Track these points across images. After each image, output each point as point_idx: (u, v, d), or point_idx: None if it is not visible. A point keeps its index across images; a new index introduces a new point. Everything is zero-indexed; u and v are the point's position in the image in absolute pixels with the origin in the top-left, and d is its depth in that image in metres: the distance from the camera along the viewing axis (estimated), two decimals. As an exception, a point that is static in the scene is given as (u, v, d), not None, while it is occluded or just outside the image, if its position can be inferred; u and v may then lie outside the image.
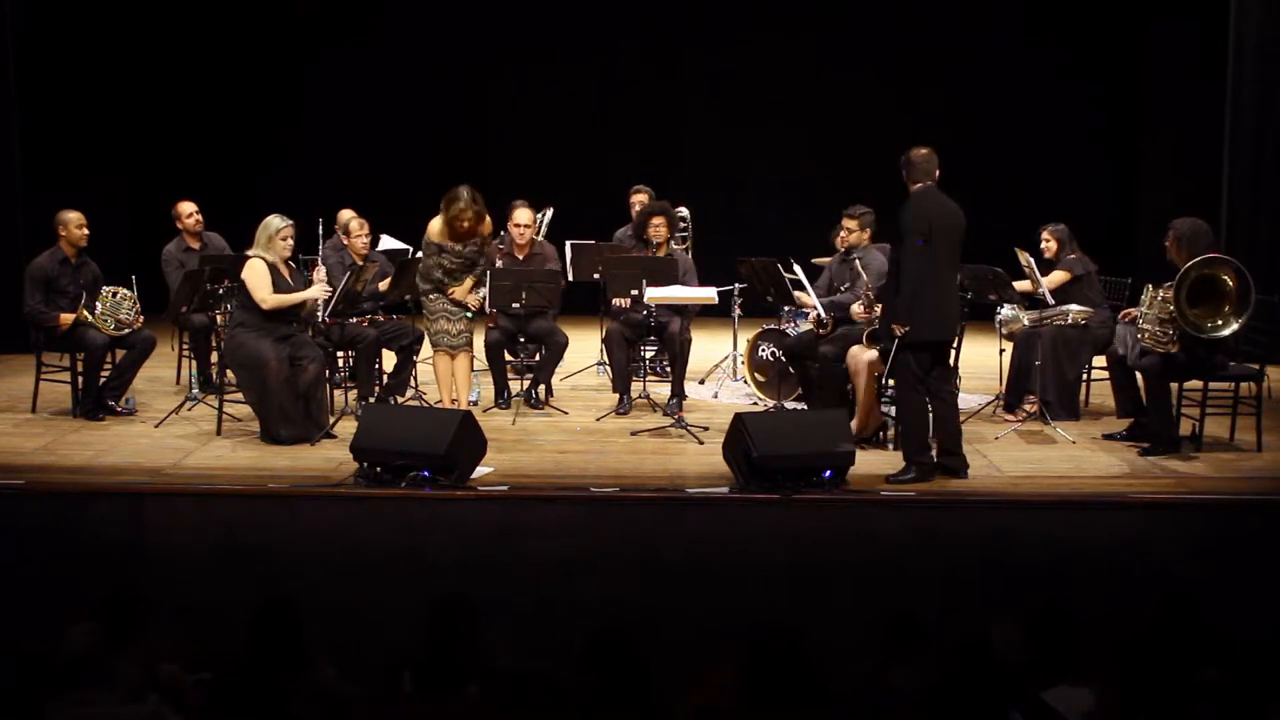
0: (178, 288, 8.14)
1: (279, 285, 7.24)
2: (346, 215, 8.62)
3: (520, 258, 8.52)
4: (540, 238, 8.91)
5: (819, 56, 11.90)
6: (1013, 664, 4.15)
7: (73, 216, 7.88)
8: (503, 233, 8.52)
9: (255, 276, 7.19)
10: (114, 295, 7.87)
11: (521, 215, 8.49)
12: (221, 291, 7.85)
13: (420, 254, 7.83)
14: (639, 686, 3.78)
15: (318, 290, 7.31)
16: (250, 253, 7.35)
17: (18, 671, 3.71)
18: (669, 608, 5.92)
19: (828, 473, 6.36)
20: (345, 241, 8.25)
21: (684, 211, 9.27)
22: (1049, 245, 8.14)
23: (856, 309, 7.54)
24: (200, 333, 8.36)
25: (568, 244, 9.18)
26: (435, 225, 7.57)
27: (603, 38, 12.07)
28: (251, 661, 4.02)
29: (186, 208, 8.67)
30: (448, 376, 7.66)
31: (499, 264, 8.21)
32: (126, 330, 7.85)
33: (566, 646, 4.25)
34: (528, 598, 5.85)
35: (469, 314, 7.65)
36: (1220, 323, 6.79)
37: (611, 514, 6.28)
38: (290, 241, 7.37)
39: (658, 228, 8.25)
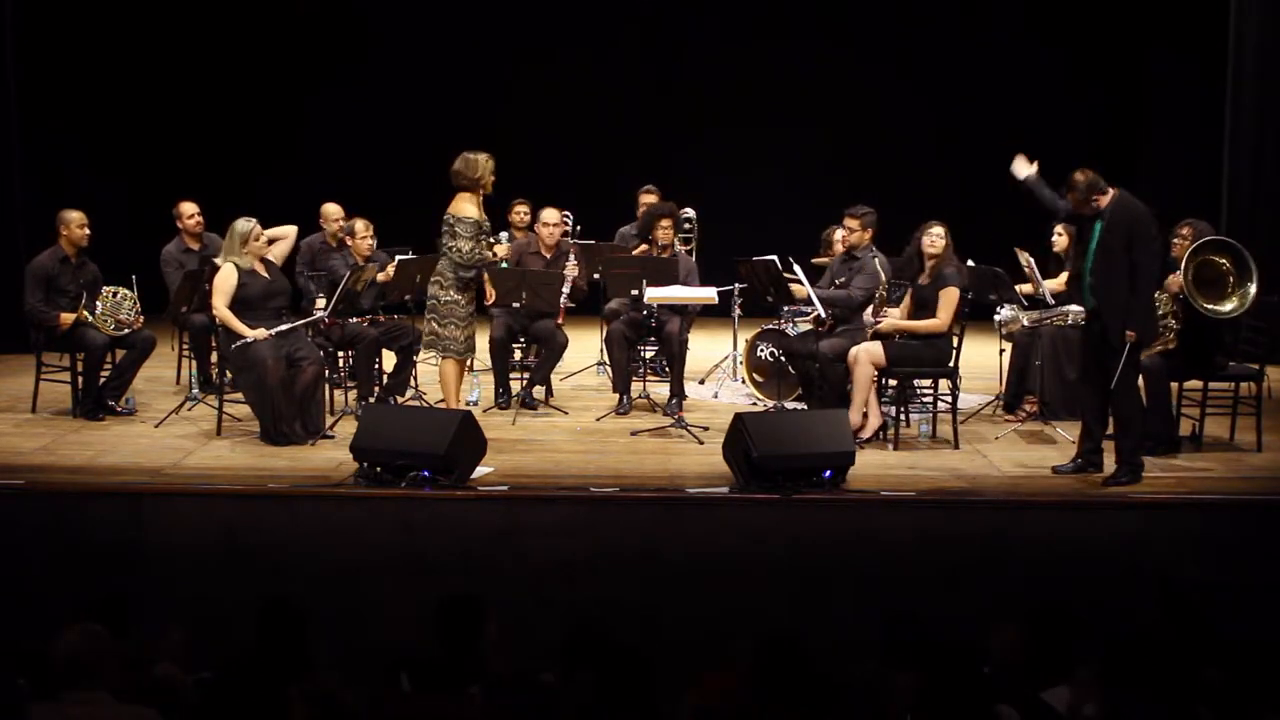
0: (177, 288, 8.14)
1: (254, 286, 7.29)
2: (333, 210, 8.63)
3: (549, 256, 8.51)
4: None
5: (821, 57, 11.88)
6: (1012, 664, 4.16)
7: (74, 216, 7.88)
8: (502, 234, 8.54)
9: (220, 282, 7.27)
10: (114, 295, 7.87)
11: (550, 215, 8.52)
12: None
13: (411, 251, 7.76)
14: (621, 682, 3.78)
15: (259, 334, 7.17)
16: (220, 260, 7.41)
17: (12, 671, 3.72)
18: (669, 608, 5.93)
19: (828, 473, 6.36)
20: (350, 243, 8.22)
21: (690, 212, 9.25)
22: (1060, 240, 8.00)
23: (867, 317, 7.49)
24: (200, 333, 8.35)
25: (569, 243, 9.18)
26: (469, 205, 7.21)
27: (604, 38, 12.06)
28: (251, 661, 4.02)
29: (188, 208, 8.65)
30: (456, 384, 7.50)
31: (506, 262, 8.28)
32: (127, 330, 7.85)
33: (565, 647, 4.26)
34: (528, 598, 5.85)
35: (504, 263, 7.55)
36: (1237, 302, 6.83)
37: (611, 514, 6.29)
38: (264, 239, 7.41)
39: (665, 230, 8.26)
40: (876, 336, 7.36)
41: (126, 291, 7.90)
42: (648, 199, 9.18)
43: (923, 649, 4.08)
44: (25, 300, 7.84)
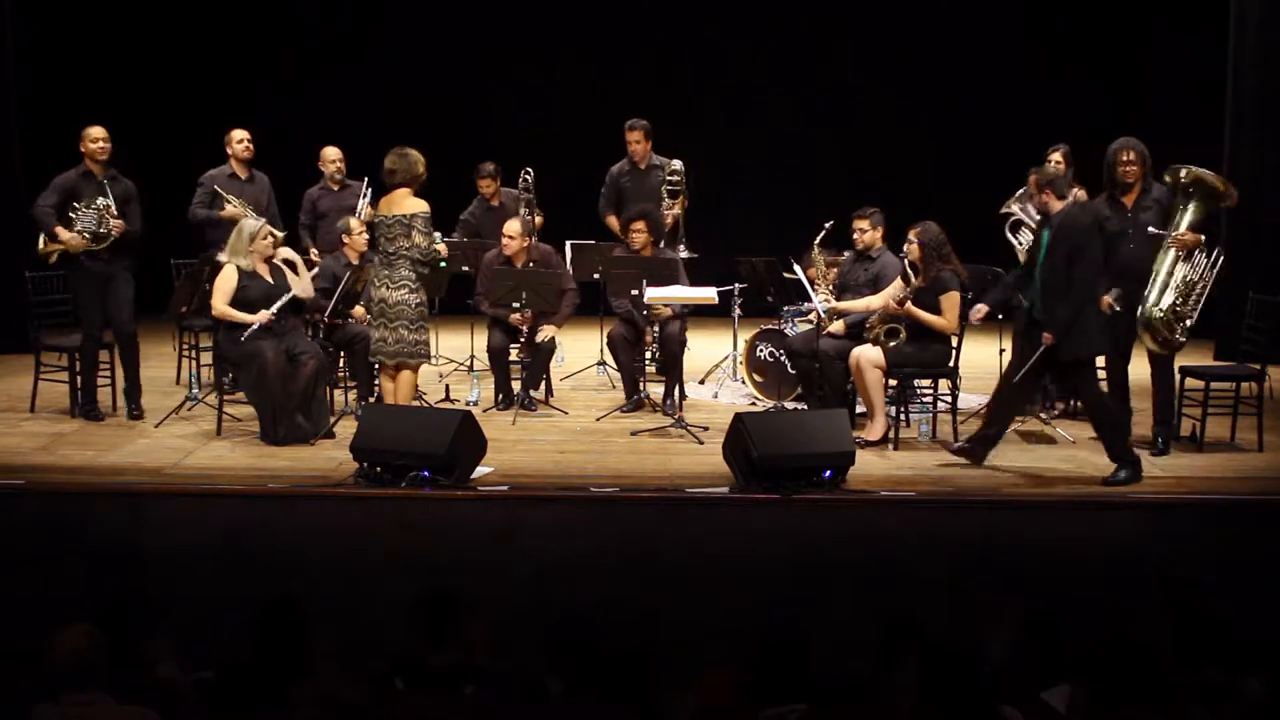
0: (178, 287, 8.09)
1: (254, 288, 7.30)
2: (332, 152, 8.85)
3: (519, 265, 8.28)
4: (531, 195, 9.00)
5: (819, 56, 11.88)
6: (1011, 664, 4.16)
7: (89, 131, 7.73)
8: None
9: (220, 282, 7.31)
10: (89, 207, 7.62)
11: (511, 226, 8.29)
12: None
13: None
14: (618, 682, 3.79)
15: (263, 316, 7.20)
16: (224, 259, 7.42)
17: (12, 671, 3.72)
18: (669, 608, 5.92)
19: (828, 473, 6.36)
20: (345, 241, 8.18)
21: (677, 164, 9.05)
22: (1059, 166, 7.74)
23: (884, 302, 7.45)
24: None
25: (568, 244, 9.17)
26: (417, 200, 7.06)
27: (600, 37, 12.05)
28: (251, 661, 4.02)
29: (238, 134, 8.50)
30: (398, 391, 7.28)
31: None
32: (108, 239, 7.62)
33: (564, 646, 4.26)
34: (528, 598, 5.85)
35: (443, 262, 7.46)
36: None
37: (611, 514, 6.29)
38: (270, 239, 7.46)
39: (638, 234, 8.17)
40: (877, 341, 7.35)
41: (103, 201, 7.65)
42: (633, 135, 9.07)
43: (924, 649, 4.08)
44: (36, 202, 7.67)
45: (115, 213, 7.68)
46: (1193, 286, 6.96)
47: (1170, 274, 6.95)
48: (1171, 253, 6.95)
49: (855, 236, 7.91)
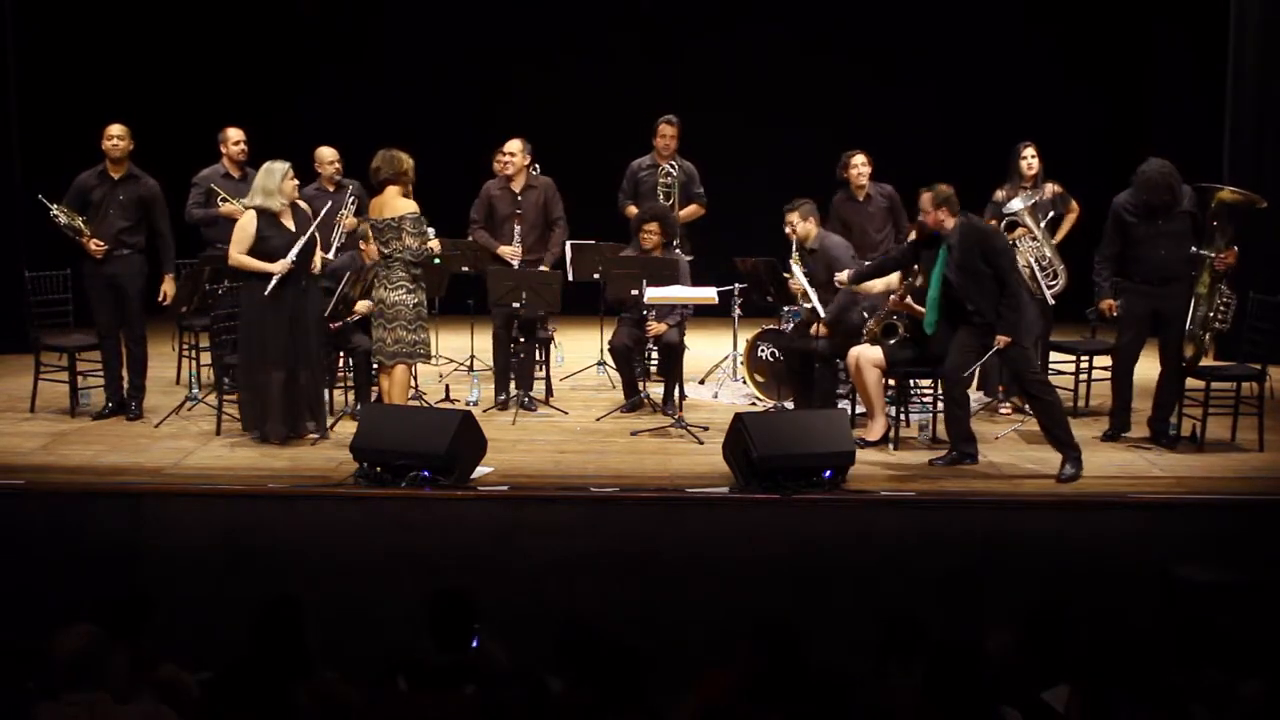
0: (178, 287, 8.08)
1: (276, 237, 7.00)
2: (328, 153, 8.65)
3: (516, 190, 8.47)
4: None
5: (820, 56, 11.88)
6: (1011, 664, 4.16)
7: (108, 129, 7.69)
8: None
9: (238, 231, 7.05)
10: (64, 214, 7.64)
11: (512, 144, 8.44)
12: (221, 292, 7.83)
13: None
14: (615, 681, 3.79)
15: (280, 266, 6.94)
16: (247, 203, 7.21)
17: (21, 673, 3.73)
18: (669, 608, 5.93)
19: (828, 473, 6.36)
20: (364, 246, 8.11)
21: (671, 169, 9.03)
22: (1034, 162, 8.17)
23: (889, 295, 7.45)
24: None
25: (568, 244, 9.16)
26: (405, 200, 7.10)
27: (599, 36, 12.06)
28: (251, 661, 4.02)
29: (234, 134, 8.47)
30: (392, 389, 7.27)
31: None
32: (82, 236, 7.61)
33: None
34: (528, 598, 5.85)
35: (436, 259, 7.42)
36: None
37: (611, 514, 6.29)
38: (296, 181, 7.25)
39: (649, 234, 8.15)
40: (876, 340, 7.34)
41: (79, 226, 7.66)
42: (667, 130, 9.04)
43: (925, 649, 4.09)
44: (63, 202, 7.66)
45: (83, 230, 7.62)
46: (1222, 297, 7.19)
47: (1211, 293, 7.16)
48: (1212, 272, 7.15)
49: (786, 231, 7.88)
